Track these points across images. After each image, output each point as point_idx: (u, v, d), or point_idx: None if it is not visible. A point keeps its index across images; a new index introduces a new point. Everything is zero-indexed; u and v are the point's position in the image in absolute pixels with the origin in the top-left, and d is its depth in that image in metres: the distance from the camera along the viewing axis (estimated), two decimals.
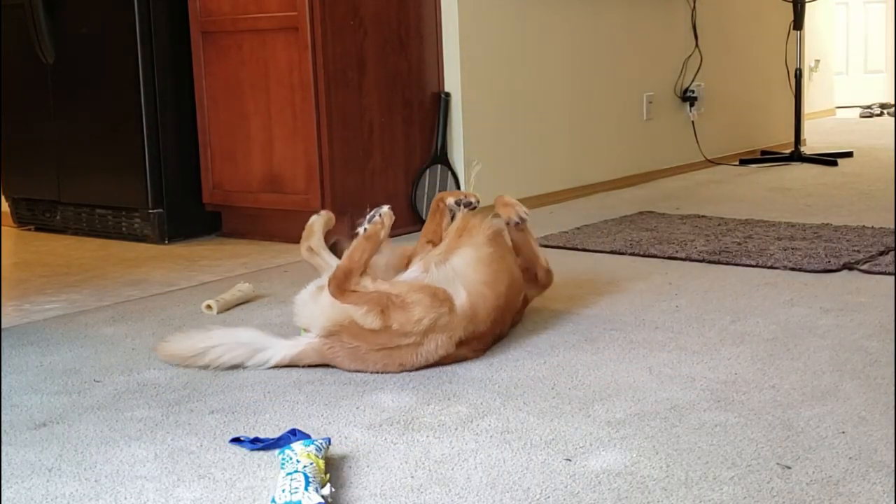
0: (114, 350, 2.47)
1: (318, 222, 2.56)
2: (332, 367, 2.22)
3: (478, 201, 2.51)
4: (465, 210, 2.48)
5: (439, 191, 4.06)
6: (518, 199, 2.58)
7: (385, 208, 2.25)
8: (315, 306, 2.23)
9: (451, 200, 2.51)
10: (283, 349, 2.24)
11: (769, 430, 1.79)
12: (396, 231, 3.35)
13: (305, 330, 2.29)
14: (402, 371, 2.18)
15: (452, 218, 2.49)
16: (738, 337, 2.38)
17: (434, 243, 2.45)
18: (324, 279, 2.26)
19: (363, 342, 2.17)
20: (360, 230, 2.21)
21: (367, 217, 2.23)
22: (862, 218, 3.81)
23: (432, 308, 2.14)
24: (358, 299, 2.14)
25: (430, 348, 2.17)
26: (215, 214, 4.04)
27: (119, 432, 1.91)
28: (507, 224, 2.50)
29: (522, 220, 2.49)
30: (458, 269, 2.30)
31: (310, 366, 2.24)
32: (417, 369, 2.19)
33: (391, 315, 2.13)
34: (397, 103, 3.94)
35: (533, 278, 2.55)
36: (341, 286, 2.15)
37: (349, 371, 2.20)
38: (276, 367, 2.23)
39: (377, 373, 2.19)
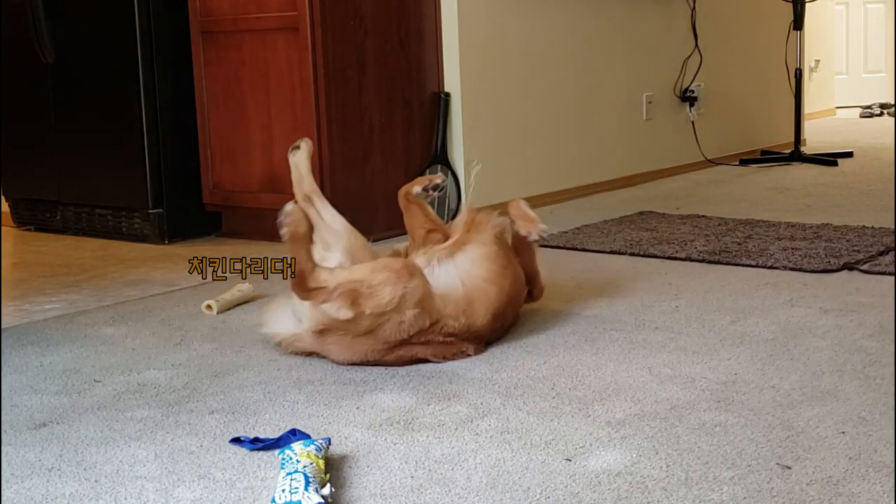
0: (114, 350, 2.47)
1: (304, 160, 2.43)
2: (326, 358, 2.26)
3: (443, 180, 2.52)
4: (438, 193, 2.50)
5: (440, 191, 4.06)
6: (517, 199, 2.58)
7: (288, 206, 2.21)
8: (301, 306, 2.25)
9: (417, 189, 2.51)
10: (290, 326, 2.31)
11: (769, 430, 1.79)
12: (395, 232, 3.36)
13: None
14: (388, 347, 2.19)
15: (433, 204, 2.50)
16: (738, 337, 2.38)
17: (433, 231, 2.46)
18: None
19: (349, 329, 2.19)
20: (283, 237, 2.20)
21: (278, 224, 2.21)
22: (862, 218, 3.81)
23: (399, 283, 2.16)
24: (326, 295, 2.16)
25: (409, 318, 2.18)
26: (215, 214, 4.04)
27: (119, 432, 1.91)
28: (526, 237, 2.47)
29: (542, 237, 2.48)
30: (461, 265, 2.33)
31: (303, 352, 2.28)
32: (404, 345, 2.20)
33: (361, 302, 2.15)
34: (397, 103, 3.94)
35: (527, 293, 2.56)
36: (304, 288, 2.18)
37: (341, 363, 2.23)
38: (280, 343, 2.32)
39: (367, 361, 2.21)
